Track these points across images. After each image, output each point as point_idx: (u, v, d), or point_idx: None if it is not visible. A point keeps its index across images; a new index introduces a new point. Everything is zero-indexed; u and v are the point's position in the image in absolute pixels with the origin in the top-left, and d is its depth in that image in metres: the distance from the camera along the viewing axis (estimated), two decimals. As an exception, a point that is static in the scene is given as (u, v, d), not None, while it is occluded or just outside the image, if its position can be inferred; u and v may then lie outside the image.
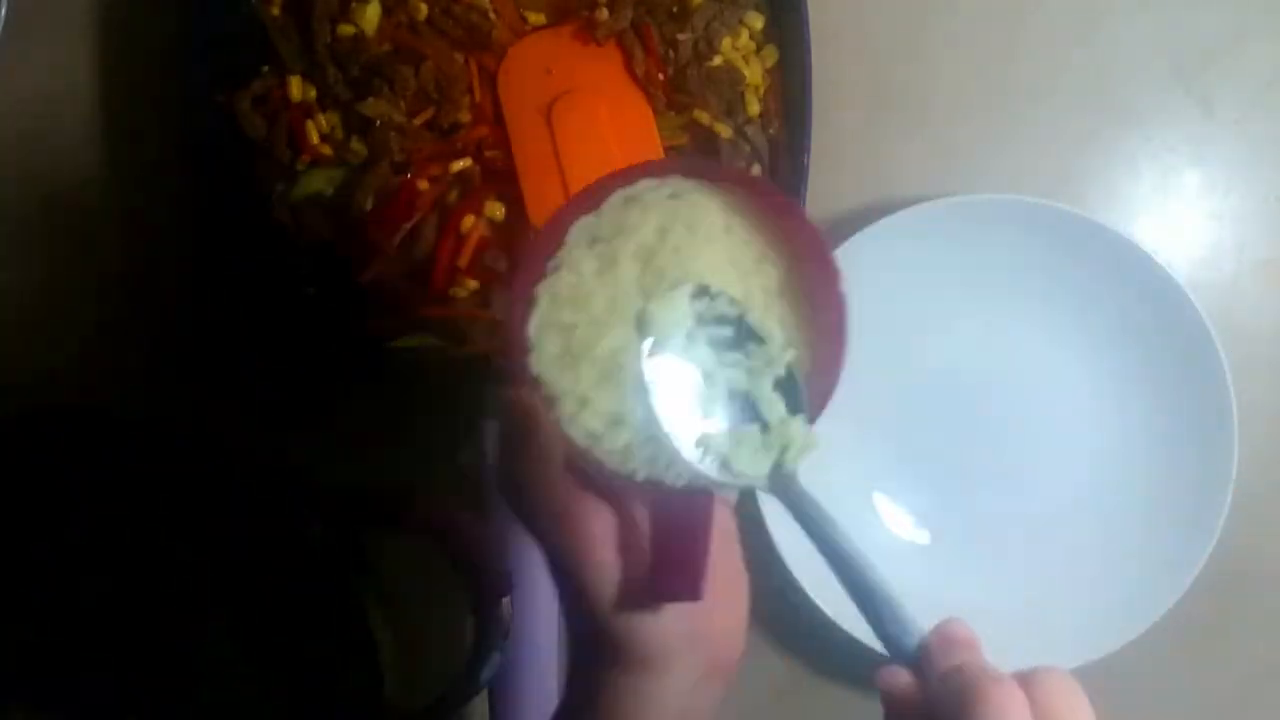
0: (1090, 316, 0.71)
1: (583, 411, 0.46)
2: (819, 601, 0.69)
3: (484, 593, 0.60)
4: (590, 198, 0.48)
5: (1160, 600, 0.69)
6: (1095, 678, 0.73)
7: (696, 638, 0.47)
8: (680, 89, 0.69)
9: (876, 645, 0.63)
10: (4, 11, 0.75)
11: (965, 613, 0.69)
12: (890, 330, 0.71)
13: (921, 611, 0.69)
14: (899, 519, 0.73)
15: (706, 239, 0.47)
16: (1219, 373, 0.69)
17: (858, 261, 0.68)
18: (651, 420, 0.46)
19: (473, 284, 0.69)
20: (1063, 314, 0.72)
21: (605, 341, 0.46)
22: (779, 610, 0.72)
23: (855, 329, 0.48)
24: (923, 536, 0.73)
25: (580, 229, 0.48)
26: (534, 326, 0.47)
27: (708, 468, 0.46)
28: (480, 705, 0.67)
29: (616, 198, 0.48)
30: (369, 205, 0.70)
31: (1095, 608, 0.70)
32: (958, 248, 0.71)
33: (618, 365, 0.46)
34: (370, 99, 0.69)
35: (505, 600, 0.61)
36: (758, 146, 0.69)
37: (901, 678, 0.46)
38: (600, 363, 0.46)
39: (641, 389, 0.46)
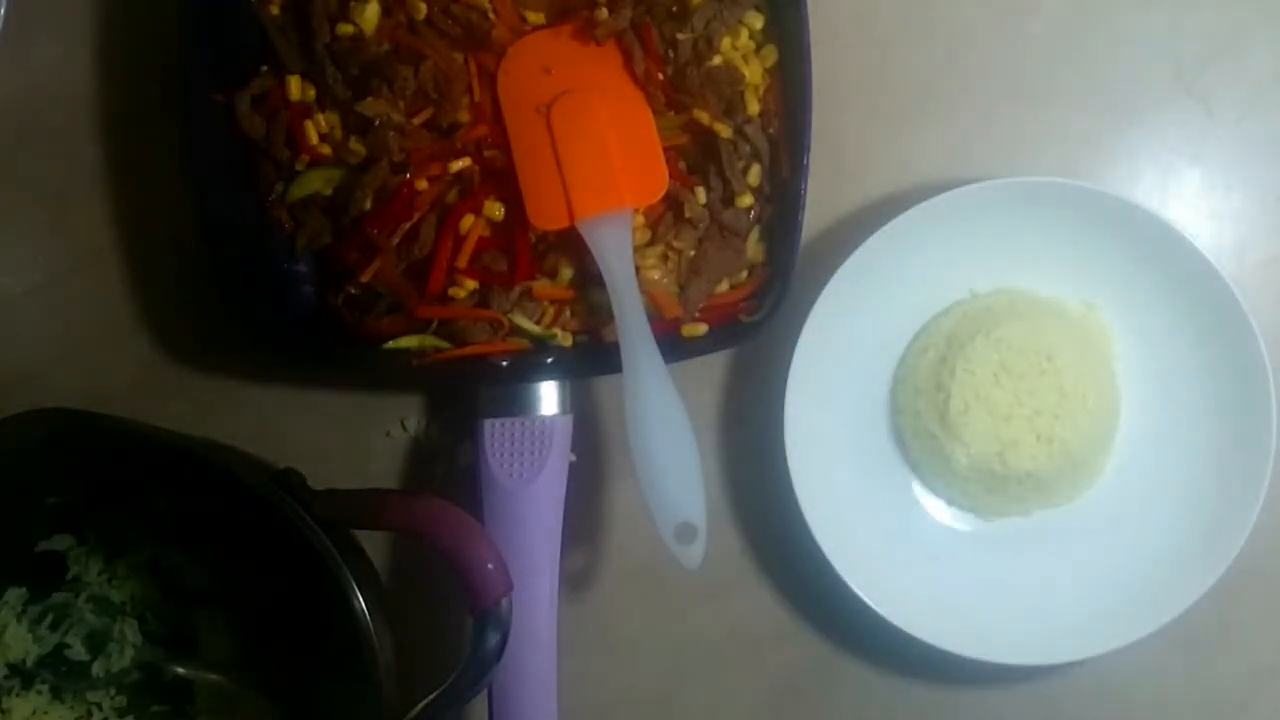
0: (1125, 298, 0.71)
1: None
2: (850, 582, 0.69)
3: (483, 593, 0.60)
4: None
5: (1196, 584, 0.68)
6: (1096, 678, 0.73)
7: None
8: (680, 88, 0.69)
9: (903, 626, 0.66)
10: (4, 11, 0.75)
11: (1005, 597, 0.70)
12: (922, 314, 0.72)
13: (964, 597, 0.70)
14: (939, 507, 0.73)
15: None
16: (1259, 365, 0.69)
17: (894, 245, 0.69)
18: None
19: (471, 284, 0.69)
20: (1097, 295, 0.72)
21: None
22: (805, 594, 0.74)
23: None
24: (964, 523, 0.73)
25: None
26: None
27: None
28: (480, 705, 0.67)
29: None
30: (368, 205, 0.70)
31: (1133, 591, 0.70)
32: (995, 231, 0.70)
33: None
34: (369, 98, 0.68)
35: (505, 600, 0.61)
36: (757, 146, 0.69)
37: None
38: None
39: None
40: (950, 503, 0.73)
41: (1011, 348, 0.70)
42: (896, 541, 0.72)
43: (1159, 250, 0.69)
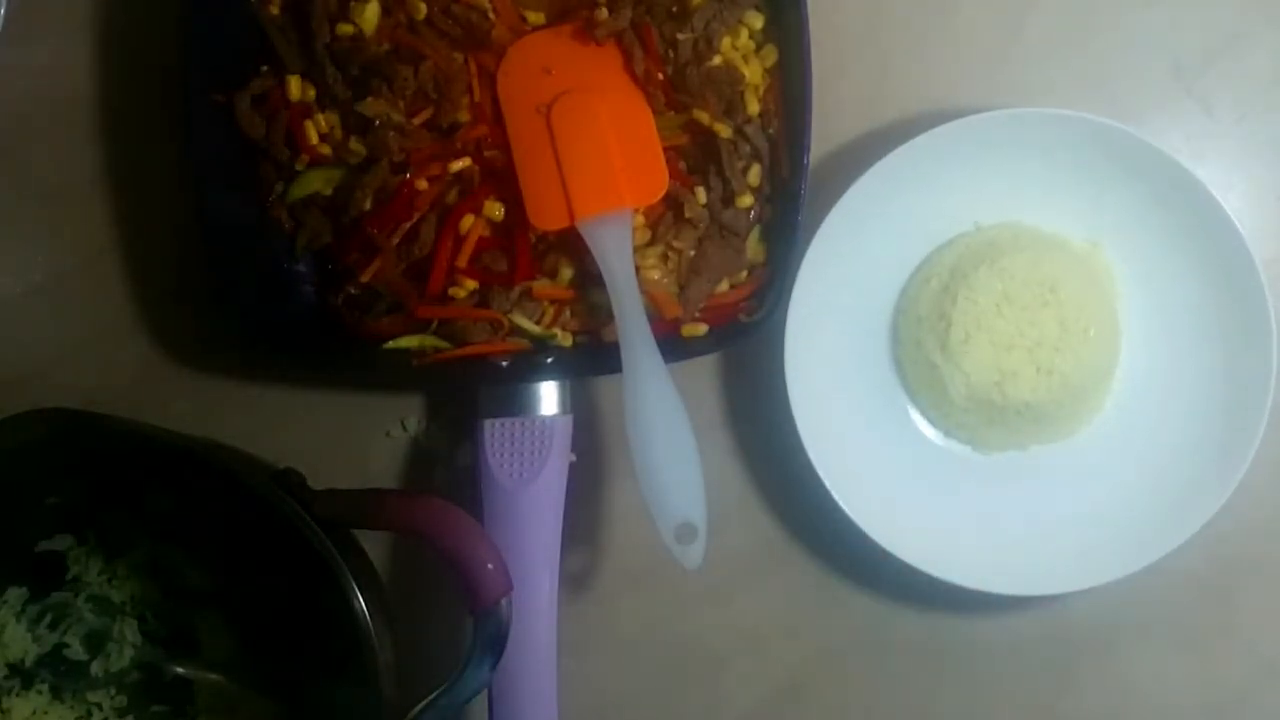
0: (1129, 235, 0.72)
1: None
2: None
3: (483, 593, 0.60)
4: None
5: (1197, 515, 0.68)
6: (1096, 678, 0.73)
7: None
8: (680, 88, 0.69)
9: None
10: (4, 11, 0.75)
11: (1007, 520, 0.71)
12: (924, 246, 0.72)
13: (965, 518, 0.70)
14: (937, 432, 0.73)
15: None
16: (1258, 293, 0.69)
17: (898, 174, 0.68)
18: None
19: (471, 284, 0.69)
20: (1101, 233, 0.72)
21: None
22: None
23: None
24: (963, 447, 0.73)
25: None
26: None
27: None
28: (480, 705, 0.67)
29: None
30: (368, 205, 0.70)
31: (1134, 520, 0.70)
32: (1000, 164, 0.71)
33: None
34: (369, 98, 0.68)
35: (505, 600, 0.61)
36: (757, 146, 0.69)
37: None
38: None
39: None
40: (948, 435, 0.73)
41: (1015, 278, 0.70)
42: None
43: (1164, 185, 0.69)
